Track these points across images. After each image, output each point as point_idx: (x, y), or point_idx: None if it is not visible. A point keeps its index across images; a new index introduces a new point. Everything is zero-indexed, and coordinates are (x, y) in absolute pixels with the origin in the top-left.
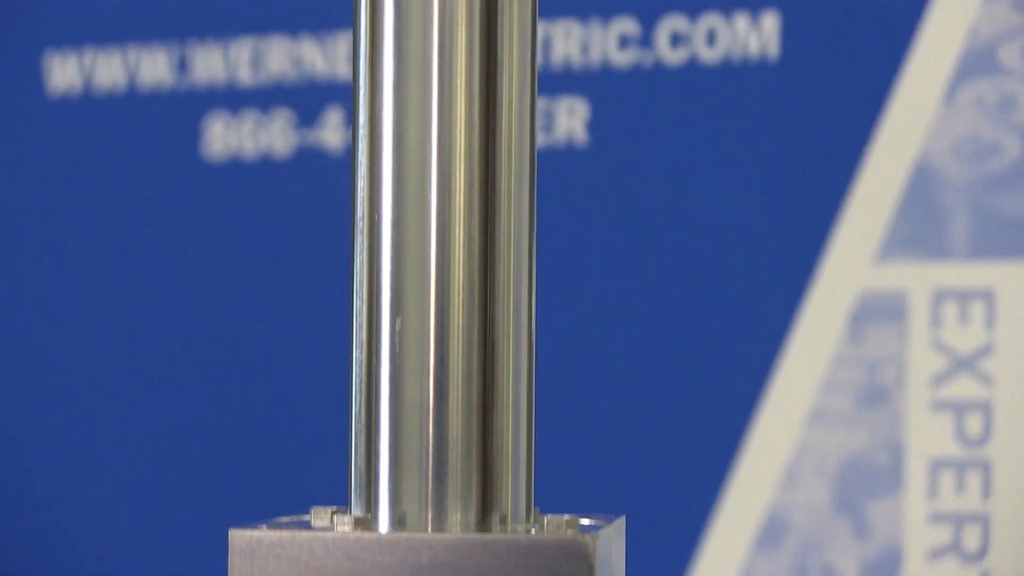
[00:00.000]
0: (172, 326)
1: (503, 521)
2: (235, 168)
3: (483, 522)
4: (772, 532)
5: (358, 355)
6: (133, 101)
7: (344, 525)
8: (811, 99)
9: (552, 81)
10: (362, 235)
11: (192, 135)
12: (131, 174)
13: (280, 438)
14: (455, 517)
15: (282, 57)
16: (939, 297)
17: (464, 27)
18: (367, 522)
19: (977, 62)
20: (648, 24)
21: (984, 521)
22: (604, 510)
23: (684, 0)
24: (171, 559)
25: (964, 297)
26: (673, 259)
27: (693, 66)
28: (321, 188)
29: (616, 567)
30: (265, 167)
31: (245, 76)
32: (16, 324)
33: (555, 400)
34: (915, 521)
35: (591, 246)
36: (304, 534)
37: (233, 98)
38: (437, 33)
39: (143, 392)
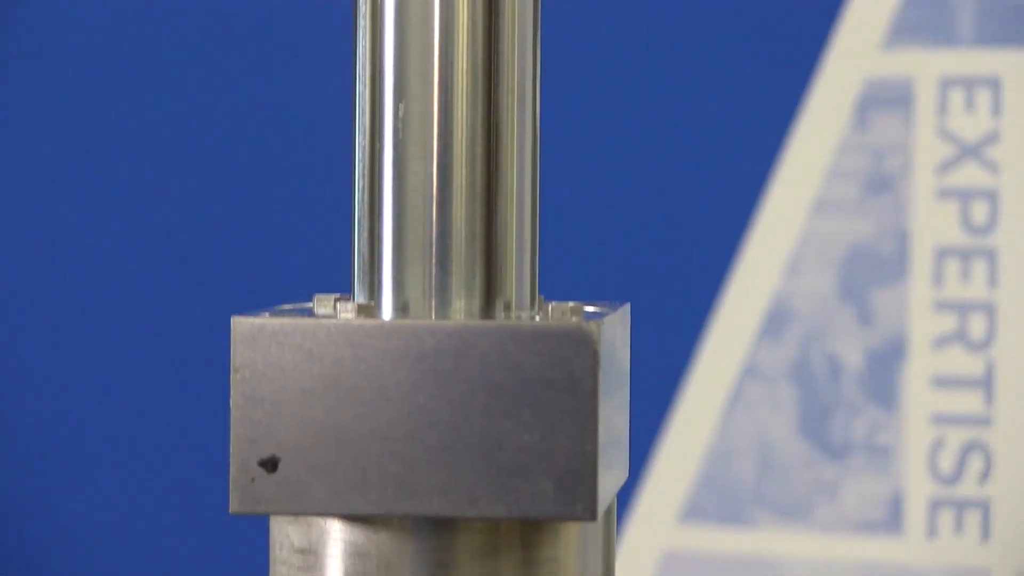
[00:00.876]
0: (175, 118)
1: (507, 308)
2: None
3: (487, 309)
4: (776, 320)
5: (361, 141)
6: None
7: (347, 312)
8: None
9: None
10: (364, 20)
11: None
12: None
13: (284, 226)
14: (459, 304)
15: None
16: (945, 84)
17: None
18: (370, 309)
19: None
20: None
21: (989, 308)
22: (609, 298)
23: None
24: (173, 346)
25: (970, 84)
26: (678, 46)
27: None
28: None
29: (620, 354)
30: None
31: None
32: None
33: (560, 187)
34: (920, 309)
35: (596, 26)
36: (307, 321)
37: None
38: None
39: (150, 178)
